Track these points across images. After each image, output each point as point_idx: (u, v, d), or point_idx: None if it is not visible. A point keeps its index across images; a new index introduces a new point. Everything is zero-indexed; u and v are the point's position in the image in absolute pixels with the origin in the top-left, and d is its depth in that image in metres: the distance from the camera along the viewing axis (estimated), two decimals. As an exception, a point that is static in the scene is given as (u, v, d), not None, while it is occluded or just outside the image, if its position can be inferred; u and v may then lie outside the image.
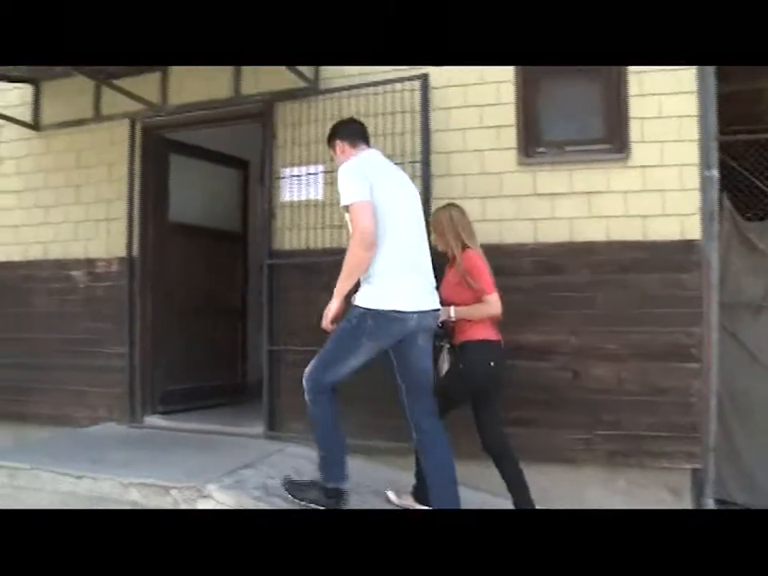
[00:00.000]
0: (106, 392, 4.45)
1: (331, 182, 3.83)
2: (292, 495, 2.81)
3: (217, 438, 3.95)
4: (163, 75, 4.44)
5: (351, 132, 2.94)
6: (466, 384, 2.90)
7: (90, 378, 4.49)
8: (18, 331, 4.76)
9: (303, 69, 3.90)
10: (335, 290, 2.68)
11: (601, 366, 3.33)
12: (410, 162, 3.65)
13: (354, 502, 2.82)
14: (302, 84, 3.94)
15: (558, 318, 3.42)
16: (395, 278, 2.60)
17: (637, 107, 3.39)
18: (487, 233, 3.53)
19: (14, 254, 4.86)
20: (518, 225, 3.53)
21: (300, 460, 3.46)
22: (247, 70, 4.21)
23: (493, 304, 2.90)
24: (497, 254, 3.45)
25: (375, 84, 3.76)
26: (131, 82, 4.36)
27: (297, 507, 2.75)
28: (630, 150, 3.38)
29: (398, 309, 2.56)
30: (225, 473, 3.10)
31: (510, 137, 3.58)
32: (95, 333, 4.51)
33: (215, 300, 4.75)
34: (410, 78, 3.68)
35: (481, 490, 3.25)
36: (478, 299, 2.90)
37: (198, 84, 4.31)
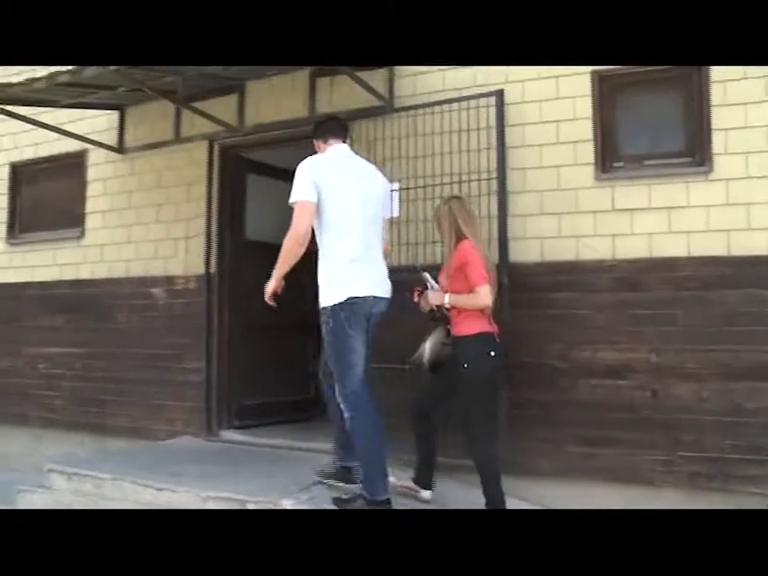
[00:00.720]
0: (184, 406, 4.86)
1: (407, 199, 4.11)
2: (338, 507, 3.07)
3: (291, 454, 4.19)
4: (240, 97, 4.88)
5: (325, 129, 3.28)
6: (476, 381, 3.11)
7: (169, 392, 4.92)
8: (101, 346, 5.27)
9: (378, 87, 4.21)
10: (273, 274, 3.09)
11: (681, 385, 3.43)
12: (486, 179, 3.88)
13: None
14: (376, 103, 4.25)
15: (638, 335, 3.54)
16: (348, 270, 2.94)
17: (720, 118, 3.49)
18: (564, 249, 3.77)
19: (99, 272, 5.39)
20: (596, 241, 3.68)
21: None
22: (322, 90, 4.56)
23: (482, 295, 3.10)
24: (574, 271, 3.73)
25: (450, 101, 4.01)
26: (210, 105, 4.83)
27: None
28: (712, 163, 3.49)
29: (354, 295, 2.92)
30: (300, 489, 3.28)
31: (587, 152, 3.75)
32: (174, 348, 4.93)
33: (289, 316, 4.96)
34: (485, 95, 3.89)
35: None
36: (472, 290, 3.13)
37: (273, 105, 4.71)
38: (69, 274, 5.56)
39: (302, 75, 4.62)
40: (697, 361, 3.42)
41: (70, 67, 3.71)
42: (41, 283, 5.71)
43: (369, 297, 2.96)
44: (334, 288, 2.96)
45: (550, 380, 3.73)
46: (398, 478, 3.41)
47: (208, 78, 4.52)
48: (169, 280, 5.03)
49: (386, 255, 3.28)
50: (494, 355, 3.16)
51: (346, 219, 2.98)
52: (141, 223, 5.22)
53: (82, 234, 5.53)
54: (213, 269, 4.86)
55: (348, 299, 2.91)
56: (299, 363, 5.32)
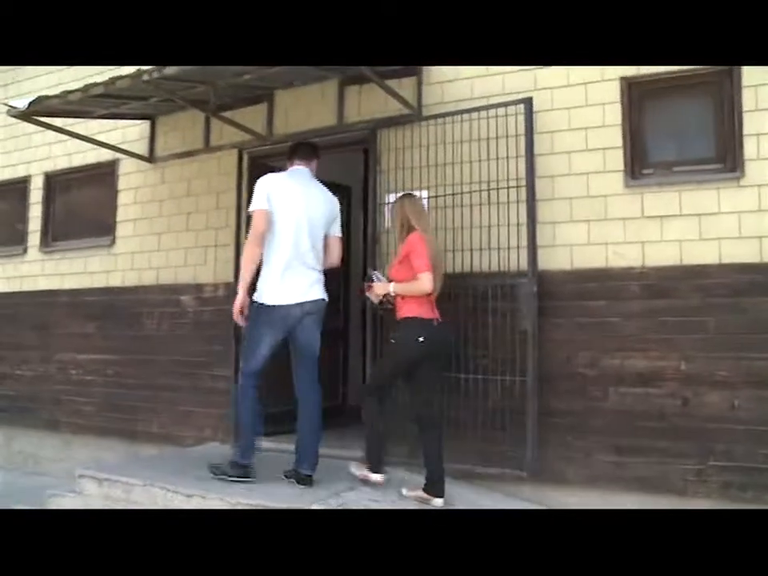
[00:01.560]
0: (212, 413, 4.96)
1: (436, 206, 4.17)
2: (212, 473, 3.67)
3: (319, 461, 4.14)
4: (269, 106, 4.99)
5: (293, 151, 3.83)
6: (394, 358, 3.50)
7: (197, 399, 5.03)
8: (131, 353, 5.41)
9: (407, 95, 4.29)
10: (238, 289, 3.55)
11: (713, 394, 3.43)
12: (515, 187, 3.91)
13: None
14: (405, 111, 4.32)
15: (668, 343, 3.55)
16: (277, 278, 3.50)
17: (751, 123, 3.49)
18: (593, 257, 3.80)
19: (130, 280, 5.54)
20: (625, 248, 3.70)
21: (402, 485, 3.65)
22: (351, 99, 4.64)
23: (423, 281, 3.39)
24: (603, 278, 3.75)
25: (478, 109, 4.06)
26: (239, 114, 4.96)
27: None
28: (744, 169, 3.49)
29: (278, 303, 3.51)
30: (329, 495, 3.33)
31: (617, 159, 3.77)
32: (202, 355, 5.04)
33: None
34: (513, 102, 3.93)
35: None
36: (415, 277, 3.41)
37: (302, 114, 4.82)
38: (100, 282, 5.71)
39: (331, 84, 4.71)
40: (729, 369, 3.42)
41: (102, 78, 3.93)
42: (72, 290, 5.87)
43: (287, 305, 3.52)
44: (262, 290, 3.55)
45: (579, 388, 3.76)
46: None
47: (238, 87, 4.62)
48: (198, 288, 5.14)
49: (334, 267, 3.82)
50: (423, 340, 3.39)
51: (282, 232, 3.53)
52: (171, 231, 5.36)
53: (112, 242, 5.69)
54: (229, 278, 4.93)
55: (266, 304, 3.51)
56: (329, 370, 5.28)
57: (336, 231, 3.81)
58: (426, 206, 3.91)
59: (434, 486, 3.44)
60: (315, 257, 3.64)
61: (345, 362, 5.55)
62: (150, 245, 5.46)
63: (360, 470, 3.63)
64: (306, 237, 3.58)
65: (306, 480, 3.62)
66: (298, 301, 3.54)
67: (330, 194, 3.82)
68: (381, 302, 3.66)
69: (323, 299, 3.66)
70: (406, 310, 3.47)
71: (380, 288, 3.60)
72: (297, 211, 3.57)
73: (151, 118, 5.52)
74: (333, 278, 5.24)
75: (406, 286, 3.47)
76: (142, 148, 5.57)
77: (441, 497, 3.42)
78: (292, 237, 3.54)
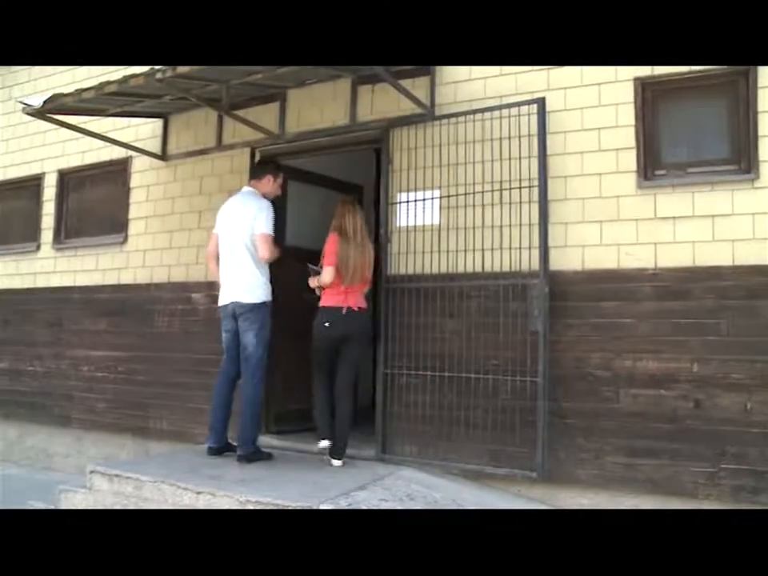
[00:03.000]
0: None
1: (448, 206, 4.19)
2: (250, 461, 4.11)
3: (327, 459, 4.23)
4: (282, 105, 5.01)
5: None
6: (313, 341, 4.10)
7: (208, 397, 4.86)
8: (143, 350, 5.44)
9: (419, 95, 4.30)
10: None
11: (726, 396, 3.42)
12: (527, 187, 3.92)
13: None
14: (417, 110, 4.33)
15: (681, 345, 3.55)
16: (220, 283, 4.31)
17: (767, 125, 3.49)
18: (606, 258, 3.80)
19: (141, 277, 5.58)
20: (638, 249, 3.71)
21: (413, 485, 3.70)
22: (364, 98, 4.66)
23: (324, 274, 4.08)
24: (616, 279, 3.76)
25: (491, 109, 4.07)
26: (252, 113, 4.99)
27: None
28: (758, 170, 3.49)
29: (218, 305, 4.34)
30: (339, 494, 3.34)
31: (629, 159, 3.78)
32: (213, 353, 4.94)
33: None
34: (526, 102, 3.93)
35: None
36: None
37: (315, 112, 4.84)
38: (112, 279, 5.76)
39: (344, 83, 4.72)
40: (742, 371, 3.41)
41: (116, 77, 3.96)
42: (84, 287, 5.92)
43: (225, 304, 4.27)
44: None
45: (591, 389, 3.75)
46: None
47: (251, 86, 4.65)
48: (210, 285, 5.11)
49: (265, 261, 4.29)
50: (328, 325, 4.02)
51: (221, 244, 4.35)
52: (183, 229, 5.38)
53: (125, 240, 5.73)
54: None
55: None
56: None
57: (255, 230, 4.21)
58: (359, 211, 4.26)
59: (336, 450, 4.06)
60: (245, 260, 4.24)
61: None
62: (161, 242, 5.49)
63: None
64: (234, 244, 4.26)
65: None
66: (224, 303, 4.30)
67: (252, 201, 4.29)
68: (314, 292, 4.22)
69: (247, 302, 4.20)
70: (321, 300, 4.14)
71: (310, 281, 4.21)
72: (224, 226, 4.35)
73: (164, 116, 5.56)
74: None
75: (317, 279, 4.13)
76: (154, 146, 5.60)
77: (340, 459, 4.07)
78: (224, 251, 4.32)
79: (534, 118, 3.92)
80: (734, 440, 3.40)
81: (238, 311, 4.19)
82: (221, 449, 4.29)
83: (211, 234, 4.39)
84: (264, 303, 4.22)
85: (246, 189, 4.42)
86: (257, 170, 4.53)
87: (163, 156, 5.57)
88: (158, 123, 5.62)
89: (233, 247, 4.26)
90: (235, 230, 4.25)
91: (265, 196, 4.38)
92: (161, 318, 5.39)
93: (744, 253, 3.48)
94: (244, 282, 4.20)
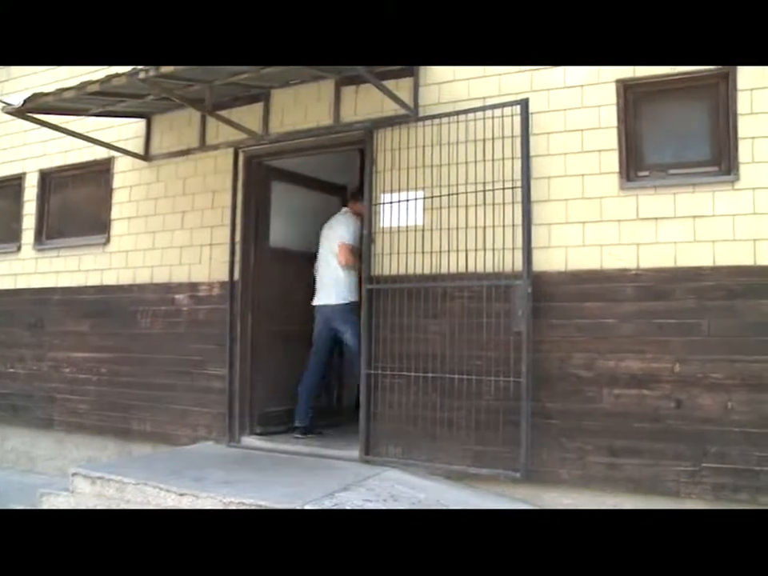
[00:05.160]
0: (206, 412, 4.94)
1: (431, 207, 4.19)
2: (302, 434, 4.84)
3: (313, 461, 4.26)
4: (265, 105, 4.97)
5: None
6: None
7: (191, 398, 5.01)
8: (126, 351, 5.38)
9: (403, 96, 4.29)
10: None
11: (707, 396, 3.44)
12: (510, 188, 3.91)
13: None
14: (401, 111, 4.32)
15: (662, 345, 3.56)
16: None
17: (746, 126, 3.50)
18: (588, 258, 3.81)
19: (124, 278, 5.51)
20: (620, 250, 3.72)
21: (397, 485, 3.69)
22: (347, 99, 4.64)
23: None
24: (598, 280, 3.77)
25: (474, 110, 4.05)
26: (235, 113, 4.95)
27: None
28: (738, 172, 3.50)
29: (313, 304, 5.03)
30: (323, 495, 3.34)
31: (612, 161, 3.79)
32: (197, 354, 5.02)
33: (312, 321, 5.08)
34: (509, 104, 3.91)
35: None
36: None
37: (298, 113, 4.81)
38: (94, 280, 5.68)
39: (327, 84, 4.69)
40: (723, 371, 3.43)
41: (99, 76, 3.90)
42: (67, 288, 5.84)
43: (317, 305, 4.97)
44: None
45: (574, 389, 3.75)
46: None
47: (234, 86, 4.62)
48: (193, 286, 5.12)
49: (346, 266, 4.90)
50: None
51: (318, 255, 5.08)
52: (166, 230, 5.33)
53: (107, 241, 5.66)
54: (236, 276, 4.94)
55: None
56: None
57: (336, 239, 4.90)
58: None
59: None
60: (332, 266, 4.94)
61: (340, 363, 5.57)
62: (144, 243, 5.43)
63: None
64: (324, 254, 5.02)
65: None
66: (318, 303, 4.99)
67: (341, 216, 5.07)
68: None
69: (336, 303, 4.89)
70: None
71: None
72: (321, 239, 5.12)
73: (147, 116, 5.50)
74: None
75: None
76: (137, 146, 5.54)
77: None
78: (318, 259, 5.10)
79: (518, 119, 3.91)
80: (715, 439, 3.42)
81: (329, 312, 4.84)
82: (307, 428, 4.87)
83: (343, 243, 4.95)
84: (350, 303, 4.82)
85: (343, 209, 5.16)
86: (349, 196, 5.35)
87: (146, 156, 5.52)
88: (140, 123, 5.56)
89: (325, 256, 4.97)
90: (325, 241, 5.01)
91: (357, 214, 4.92)
92: (144, 320, 5.34)
93: (724, 253, 3.50)
94: (332, 286, 4.86)
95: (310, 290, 5.06)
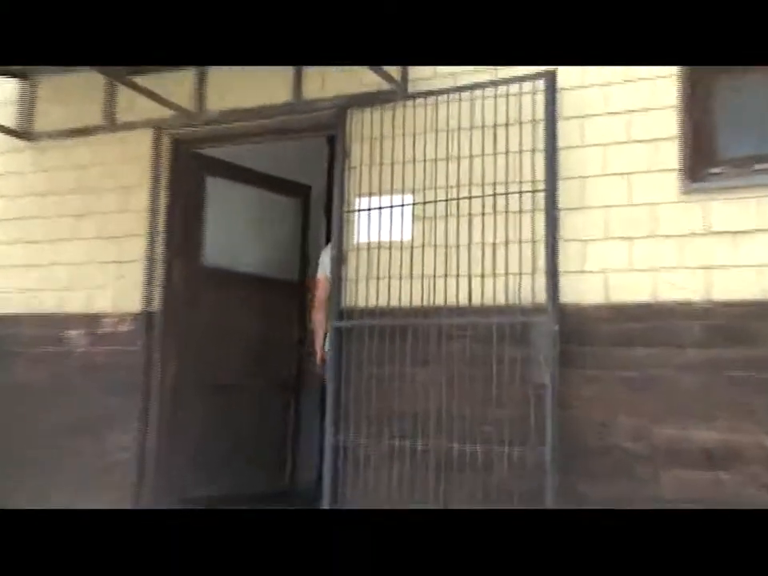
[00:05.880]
0: (104, 497, 4.68)
1: (423, 216, 4.18)
2: None
3: None
4: (200, 73, 4.91)
5: None
6: None
7: (84, 475, 4.80)
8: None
9: (387, 66, 4.21)
10: None
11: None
12: (530, 191, 3.90)
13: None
14: (384, 86, 4.30)
15: (745, 408, 3.46)
16: None
17: None
18: (636, 286, 3.75)
19: (-11, 306, 5.35)
20: (682, 276, 3.66)
21: None
22: (313, 69, 4.60)
23: None
24: (651, 317, 3.69)
25: (482, 86, 4.04)
26: (159, 81, 4.81)
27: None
28: None
29: None
30: None
31: (671, 154, 3.75)
32: (95, 415, 4.85)
33: (261, 371, 5.10)
34: (530, 77, 3.91)
35: None
36: None
37: (246, 86, 4.76)
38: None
39: (287, 47, 4.69)
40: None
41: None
42: None
43: None
44: None
45: (619, 468, 3.66)
46: None
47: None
48: (92, 320, 5.03)
49: None
50: None
51: None
52: (53, 239, 5.23)
53: (-42, 252, 5.49)
54: (156, 306, 4.89)
55: None
56: (273, 436, 5.37)
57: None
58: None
59: None
60: None
61: (297, 424, 5.57)
62: (19, 257, 5.32)
63: None
64: None
65: None
66: None
67: None
68: None
69: None
70: None
71: None
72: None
73: (26, 77, 5.39)
74: (286, 311, 5.36)
75: None
76: (8, 117, 5.42)
77: None
78: None
79: (541, 98, 3.92)
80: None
81: None
82: None
83: (319, 279, 4.78)
84: None
85: None
86: None
87: (24, 133, 5.40)
88: (13, 85, 5.45)
89: None
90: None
91: None
92: (18, 365, 5.16)
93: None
94: None
95: (259, 324, 5.10)
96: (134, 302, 4.90)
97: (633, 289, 3.77)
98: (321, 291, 4.88)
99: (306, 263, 5.68)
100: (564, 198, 3.90)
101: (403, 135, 4.27)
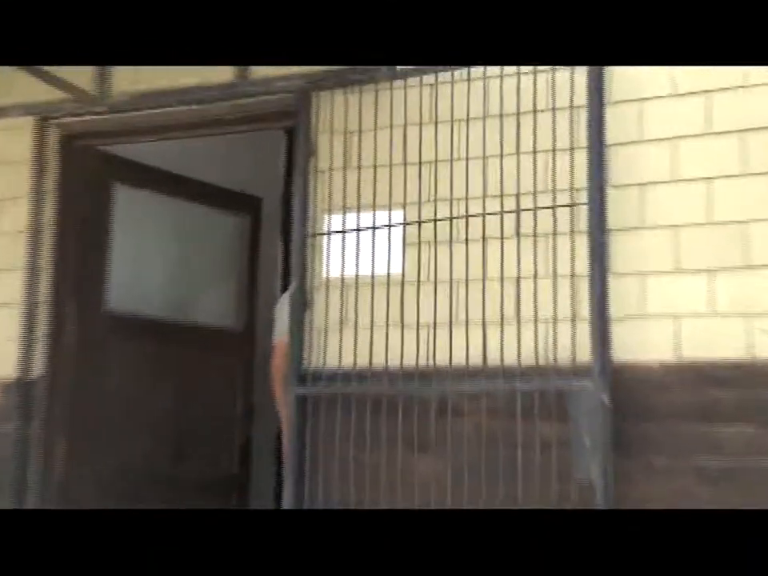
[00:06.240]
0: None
1: (419, 240, 4.14)
2: None
3: None
4: None
5: None
6: None
7: None
8: None
9: None
10: None
11: None
12: (567, 205, 3.85)
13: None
14: None
15: None
16: None
17: None
18: (721, 338, 3.69)
19: None
20: None
21: None
22: None
23: None
24: (739, 380, 3.62)
25: None
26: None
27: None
28: None
29: None
30: None
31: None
32: None
33: (192, 463, 5.08)
34: None
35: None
36: None
37: None
38: None
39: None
40: None
41: None
42: None
43: None
44: None
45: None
46: None
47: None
48: None
49: None
50: None
51: None
52: None
53: None
54: (38, 370, 4.88)
55: None
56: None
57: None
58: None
59: None
60: None
61: None
62: None
63: None
64: None
65: None
66: None
67: None
68: None
69: None
70: None
71: None
72: None
73: None
74: (225, 371, 5.73)
75: None
76: None
77: None
78: None
79: (582, 77, 3.89)
80: None
81: None
82: None
83: (277, 344, 4.71)
84: None
85: None
86: None
87: None
88: None
89: None
90: None
91: None
92: None
93: None
94: None
95: (188, 392, 5.16)
96: (5, 365, 4.88)
97: (716, 341, 3.72)
98: (280, 359, 4.74)
99: (254, 305, 5.68)
100: (616, 215, 3.84)
101: (390, 127, 4.22)
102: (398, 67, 4.29)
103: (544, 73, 3.96)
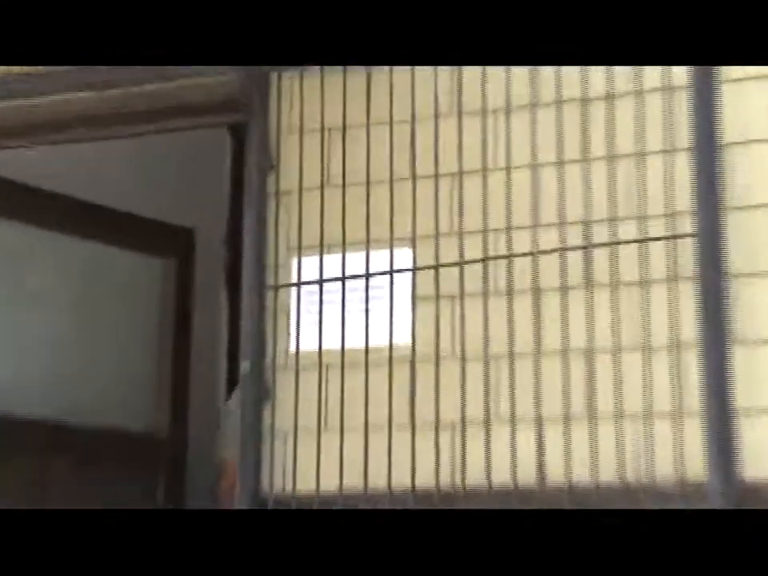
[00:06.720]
0: None
1: (436, 295, 3.99)
2: None
3: None
4: None
5: None
6: None
7: None
8: None
9: None
10: None
11: None
12: (666, 238, 3.79)
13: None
14: None
15: None
16: None
17: None
18: None
19: None
20: None
21: None
22: None
23: None
24: None
25: None
26: None
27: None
28: None
29: None
30: None
31: None
32: None
33: None
34: None
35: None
36: None
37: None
38: None
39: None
40: None
41: None
42: None
43: None
44: None
45: None
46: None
47: None
48: None
49: None
50: None
51: None
52: None
53: None
54: None
55: None
56: None
57: None
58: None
59: None
60: None
61: None
62: None
63: None
64: None
65: None
66: None
67: None
68: None
69: None
70: None
71: None
72: None
73: None
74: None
75: None
76: None
77: None
78: None
79: None
80: None
81: None
82: None
83: (228, 463, 5.00)
84: None
85: None
86: None
87: None
88: None
89: None
90: None
91: None
92: None
93: None
94: None
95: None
96: None
97: None
98: (231, 485, 4.69)
99: (184, 401, 5.71)
100: (739, 252, 3.70)
101: (390, 122, 4.18)
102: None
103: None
